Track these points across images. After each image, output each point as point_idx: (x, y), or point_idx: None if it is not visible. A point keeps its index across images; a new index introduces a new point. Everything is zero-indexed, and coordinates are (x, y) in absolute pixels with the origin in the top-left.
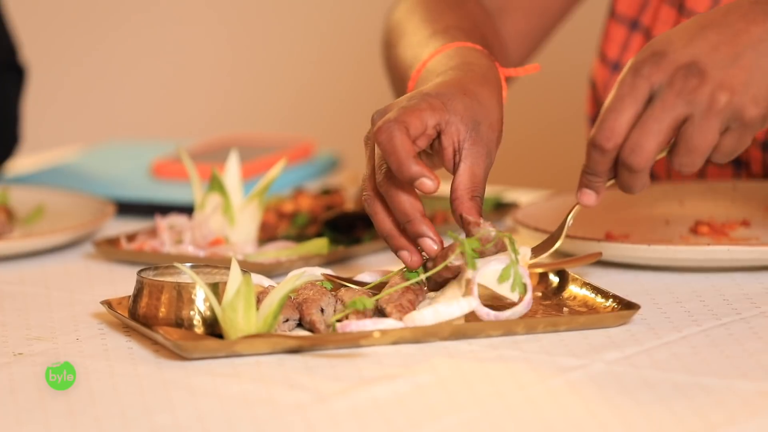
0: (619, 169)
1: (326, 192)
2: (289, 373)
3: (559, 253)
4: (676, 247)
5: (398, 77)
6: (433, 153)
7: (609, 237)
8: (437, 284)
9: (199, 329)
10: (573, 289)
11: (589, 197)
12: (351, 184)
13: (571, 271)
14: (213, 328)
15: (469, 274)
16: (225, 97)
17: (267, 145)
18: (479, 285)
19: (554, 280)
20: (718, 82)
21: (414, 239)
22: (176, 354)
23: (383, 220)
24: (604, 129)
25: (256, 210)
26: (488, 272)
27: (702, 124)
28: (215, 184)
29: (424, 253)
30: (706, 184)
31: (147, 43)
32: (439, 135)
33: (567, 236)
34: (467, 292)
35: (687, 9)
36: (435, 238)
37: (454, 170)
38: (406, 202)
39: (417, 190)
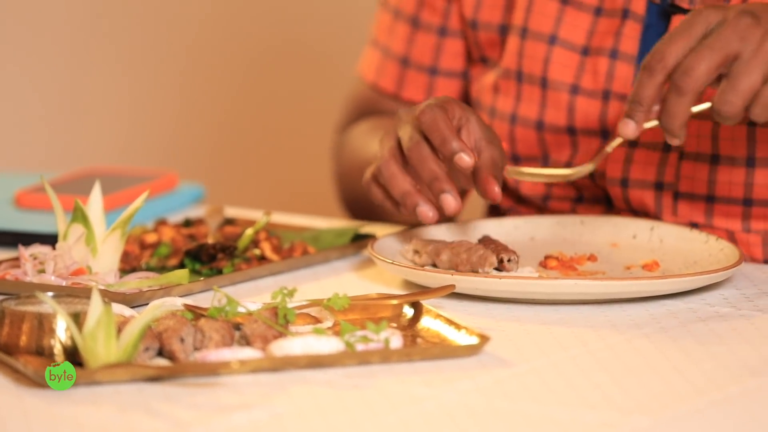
0: (667, 95)
1: (188, 223)
2: (148, 402)
3: (413, 285)
4: (526, 281)
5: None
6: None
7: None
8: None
9: (60, 358)
10: (427, 321)
11: (628, 127)
12: (212, 217)
13: (425, 303)
14: (74, 357)
15: None
16: (89, 132)
17: (130, 177)
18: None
19: (408, 312)
20: None
21: (436, 196)
22: (36, 382)
23: (402, 180)
24: (655, 52)
25: (118, 241)
26: None
27: (750, 63)
28: (78, 215)
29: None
30: (555, 218)
31: (12, 76)
32: (459, 130)
33: (422, 268)
34: None
35: (525, 74)
36: (457, 197)
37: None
38: (434, 163)
39: (457, 165)
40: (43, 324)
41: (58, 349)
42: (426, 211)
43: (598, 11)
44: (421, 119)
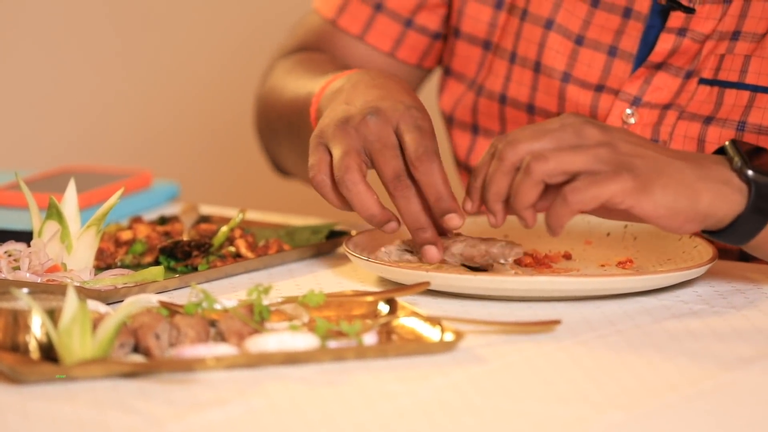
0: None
1: (163, 221)
2: (123, 398)
3: (388, 283)
4: (501, 278)
5: (293, 111)
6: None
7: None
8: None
9: (35, 354)
10: (402, 317)
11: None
12: (187, 215)
13: (400, 300)
14: (49, 353)
15: None
16: (64, 130)
17: (105, 175)
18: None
19: (383, 309)
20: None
21: (439, 216)
22: (11, 378)
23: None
24: (508, 138)
25: (93, 238)
26: None
27: (580, 150)
28: (53, 212)
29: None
30: None
31: None
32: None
33: (397, 265)
34: None
35: (519, 56)
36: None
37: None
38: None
39: (444, 224)
40: (18, 320)
41: (33, 346)
42: (434, 253)
43: (595, 3)
44: (418, 172)
